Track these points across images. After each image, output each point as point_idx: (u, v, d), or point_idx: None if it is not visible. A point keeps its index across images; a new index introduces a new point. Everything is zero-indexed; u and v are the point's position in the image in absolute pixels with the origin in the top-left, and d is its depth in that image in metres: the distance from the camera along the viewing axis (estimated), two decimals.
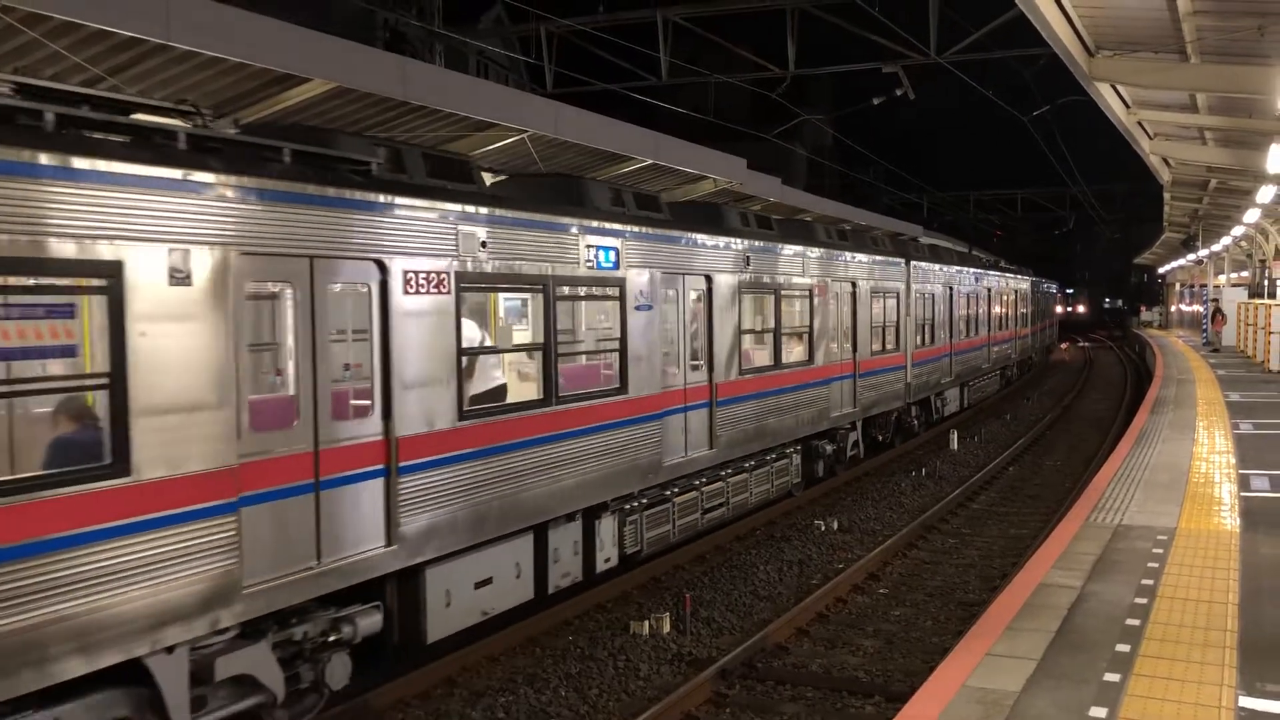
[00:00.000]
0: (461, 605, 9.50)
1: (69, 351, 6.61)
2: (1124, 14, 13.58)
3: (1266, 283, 39.50)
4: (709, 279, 13.81)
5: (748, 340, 15.02)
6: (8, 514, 5.93)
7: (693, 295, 13.59)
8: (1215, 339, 39.97)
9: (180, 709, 6.90)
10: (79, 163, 6.36)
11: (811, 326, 17.07)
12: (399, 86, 10.93)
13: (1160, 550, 9.76)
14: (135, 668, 6.69)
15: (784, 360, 16.02)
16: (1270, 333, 29.52)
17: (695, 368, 13.63)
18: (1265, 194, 23.55)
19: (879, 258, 20.84)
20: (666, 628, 11.14)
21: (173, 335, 6.84)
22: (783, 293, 15.99)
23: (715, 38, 21.87)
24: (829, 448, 18.19)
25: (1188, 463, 14.37)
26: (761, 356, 15.58)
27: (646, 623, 11.13)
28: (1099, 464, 17.90)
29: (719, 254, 14.11)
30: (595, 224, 11.41)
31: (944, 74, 21.72)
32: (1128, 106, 19.13)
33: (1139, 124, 20.82)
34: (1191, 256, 48.31)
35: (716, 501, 14.09)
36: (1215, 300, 41.84)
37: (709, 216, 14.90)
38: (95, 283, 6.44)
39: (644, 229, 12.38)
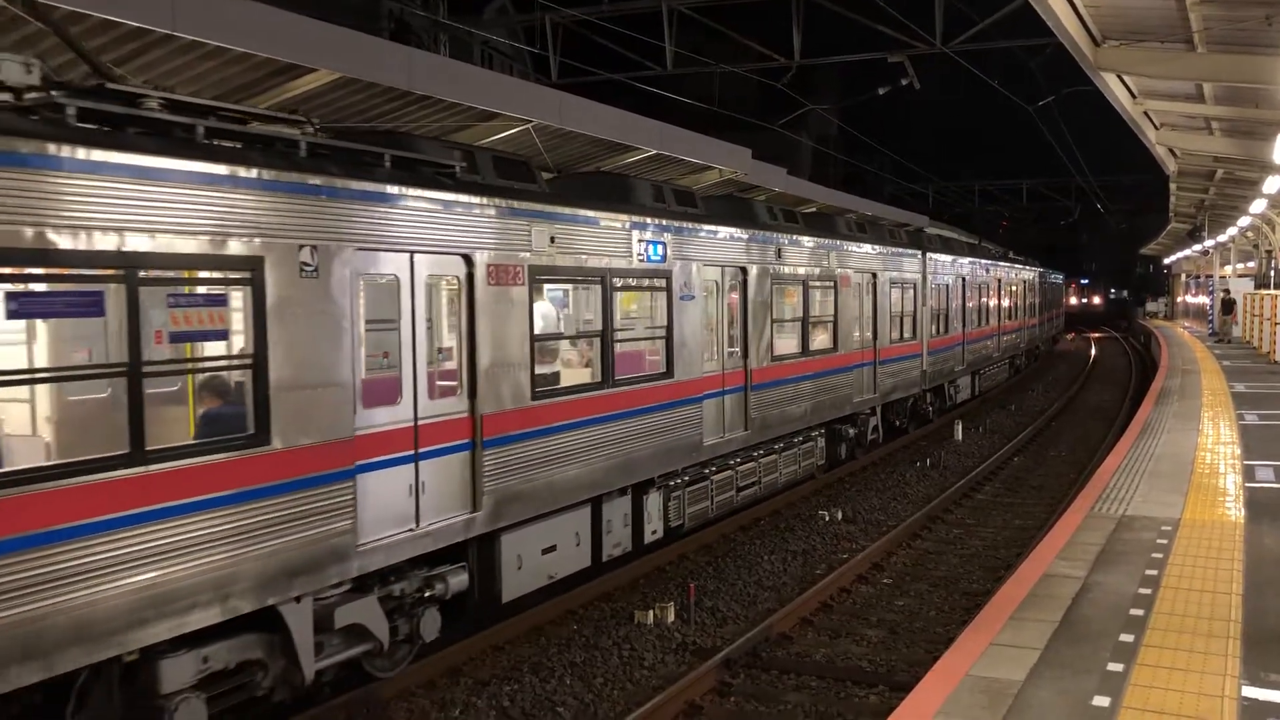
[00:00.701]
0: (531, 569, 10.37)
1: (221, 335, 7.52)
2: (1130, 3, 13.53)
3: (1273, 273, 39.34)
4: (744, 271, 14.64)
5: (779, 328, 15.78)
6: (178, 476, 6.84)
7: (730, 286, 14.42)
8: (1224, 330, 39.45)
9: (306, 652, 7.81)
10: (234, 170, 7.24)
11: (836, 316, 17.85)
12: (404, 77, 10.94)
13: (1164, 541, 9.76)
14: (266, 616, 7.55)
15: (811, 348, 16.86)
16: (1276, 323, 29.43)
17: (732, 354, 14.45)
18: (1272, 184, 23.46)
19: (897, 250, 21.65)
20: (671, 617, 11.17)
21: (303, 321, 7.73)
22: (810, 283, 16.80)
23: (720, 27, 21.78)
24: (851, 431, 18.98)
25: (1192, 454, 14.36)
26: (791, 344, 16.33)
27: (651, 612, 11.16)
28: (1103, 455, 17.90)
29: (753, 247, 14.91)
30: (646, 220, 12.27)
31: (950, 64, 21.62)
32: (1134, 96, 19.08)
33: (1145, 114, 20.76)
34: (1197, 247, 48.16)
35: (750, 480, 14.88)
36: (1225, 291, 41.27)
37: (742, 211, 15.63)
38: (242, 275, 7.34)
39: (688, 224, 13.19)
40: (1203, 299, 50.47)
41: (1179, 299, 68.66)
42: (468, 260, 9.42)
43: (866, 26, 20.11)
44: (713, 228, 13.83)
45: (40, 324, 6.92)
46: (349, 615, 8.26)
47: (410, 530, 8.76)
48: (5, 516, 5.95)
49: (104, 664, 6.56)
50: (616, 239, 11.64)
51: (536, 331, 10.30)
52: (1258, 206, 29.85)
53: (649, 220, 12.28)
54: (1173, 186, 34.84)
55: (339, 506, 7.99)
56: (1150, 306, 77.54)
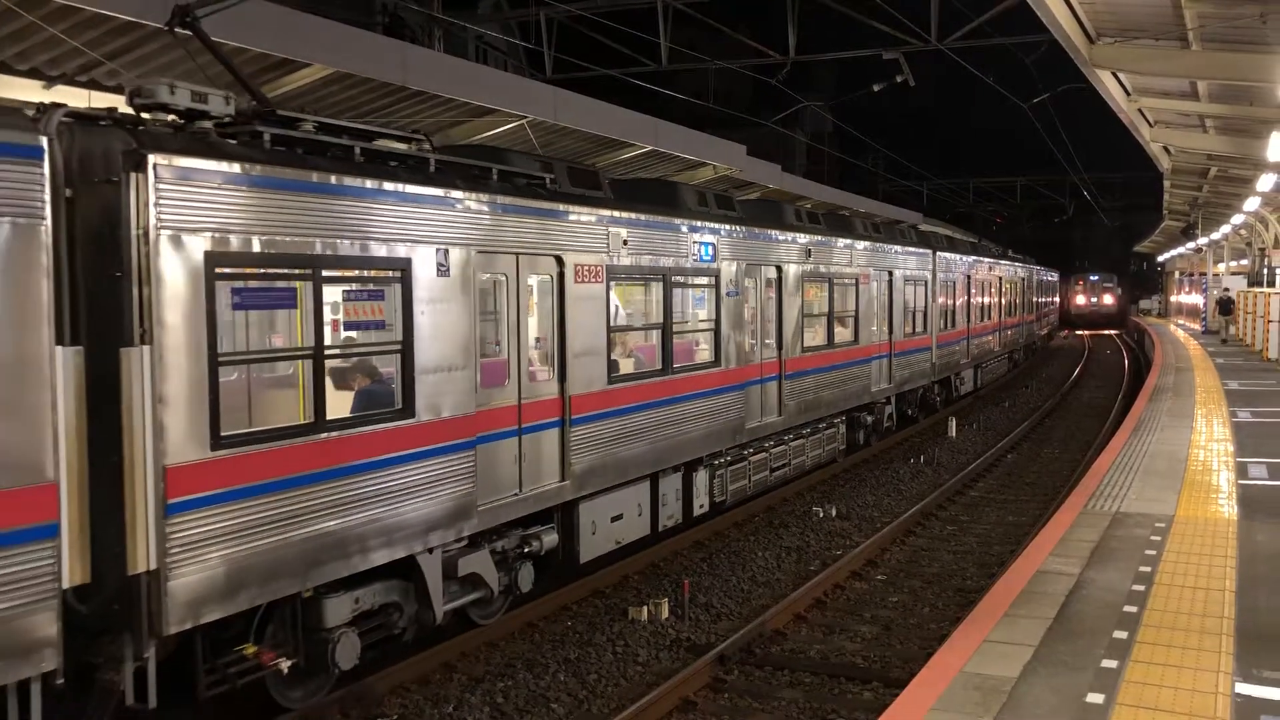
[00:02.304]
0: (602, 535, 11.61)
1: (380, 325, 8.76)
2: (1125, 0, 13.54)
3: (1266, 271, 39.38)
4: (779, 269, 15.77)
5: (808, 322, 16.99)
6: (347, 442, 8.00)
7: (766, 282, 15.55)
8: (1223, 329, 39.18)
9: (437, 596, 9.11)
10: (390, 185, 8.43)
11: (857, 311, 19.03)
12: (399, 72, 10.93)
13: (1158, 538, 9.78)
14: (403, 564, 8.70)
15: (836, 340, 18.07)
16: (1270, 321, 29.50)
17: (768, 345, 15.65)
18: (1265, 182, 23.54)
19: (910, 249, 22.84)
20: (665, 613, 11.16)
21: (439, 313, 8.90)
22: (835, 280, 18.00)
23: (715, 23, 21.74)
24: (869, 418, 20.18)
25: (1186, 450, 14.39)
26: (818, 337, 17.56)
27: (645, 608, 11.15)
28: (1097, 451, 17.93)
29: (786, 247, 16.01)
30: (699, 224, 13.41)
31: (945, 61, 21.60)
32: (1128, 94, 19.10)
33: (1139, 111, 20.79)
34: (1191, 245, 48.21)
35: (781, 462, 16.07)
36: (1225, 290, 40.92)
37: (775, 214, 16.59)
38: (394, 274, 8.51)
39: (733, 227, 14.29)
40: (1196, 297, 50.43)
41: (1172, 296, 68.70)
42: (559, 261, 10.59)
43: (862, 23, 20.09)
44: (752, 230, 14.89)
45: (254, 314, 8.28)
46: (469, 565, 9.51)
47: (515, 495, 10.05)
48: (253, 467, 7.24)
49: (282, 601, 7.69)
50: (675, 241, 12.79)
51: (612, 323, 11.51)
52: (1251, 204, 29.93)
53: (700, 224, 13.41)
54: (1166, 184, 34.94)
55: (464, 472, 9.22)
56: (1144, 304, 77.62)
